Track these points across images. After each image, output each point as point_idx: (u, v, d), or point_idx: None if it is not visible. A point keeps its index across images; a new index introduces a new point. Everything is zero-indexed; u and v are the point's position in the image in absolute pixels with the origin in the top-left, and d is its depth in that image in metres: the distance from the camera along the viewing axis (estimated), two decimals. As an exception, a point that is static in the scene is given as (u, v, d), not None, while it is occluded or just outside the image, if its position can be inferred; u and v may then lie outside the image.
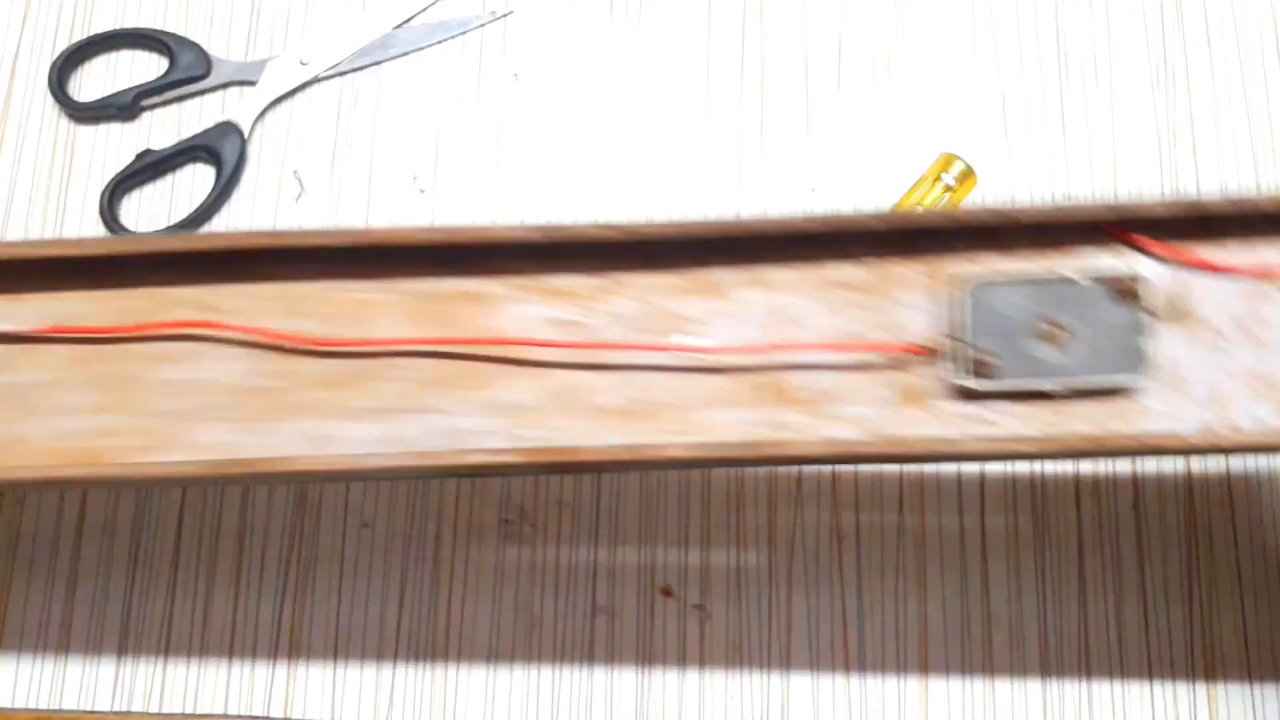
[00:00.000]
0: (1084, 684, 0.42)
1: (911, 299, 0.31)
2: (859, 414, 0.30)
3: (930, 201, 0.45)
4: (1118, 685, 0.42)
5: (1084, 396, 0.30)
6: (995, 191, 0.47)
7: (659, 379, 0.31)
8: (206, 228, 0.46)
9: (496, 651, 0.42)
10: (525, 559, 0.43)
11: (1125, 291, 0.29)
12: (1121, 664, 0.42)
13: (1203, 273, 0.30)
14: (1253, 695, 0.42)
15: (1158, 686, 0.42)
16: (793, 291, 0.31)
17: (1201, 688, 0.42)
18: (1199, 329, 0.30)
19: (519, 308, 0.31)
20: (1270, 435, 0.29)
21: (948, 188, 0.46)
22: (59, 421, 0.32)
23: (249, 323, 0.31)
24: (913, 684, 0.42)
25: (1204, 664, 0.42)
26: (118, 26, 0.49)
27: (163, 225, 0.46)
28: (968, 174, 0.46)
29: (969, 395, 0.30)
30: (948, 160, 0.46)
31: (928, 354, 0.30)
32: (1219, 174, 0.48)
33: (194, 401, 0.31)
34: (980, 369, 0.29)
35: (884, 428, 0.30)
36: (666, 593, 0.43)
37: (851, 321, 0.31)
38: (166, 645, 0.42)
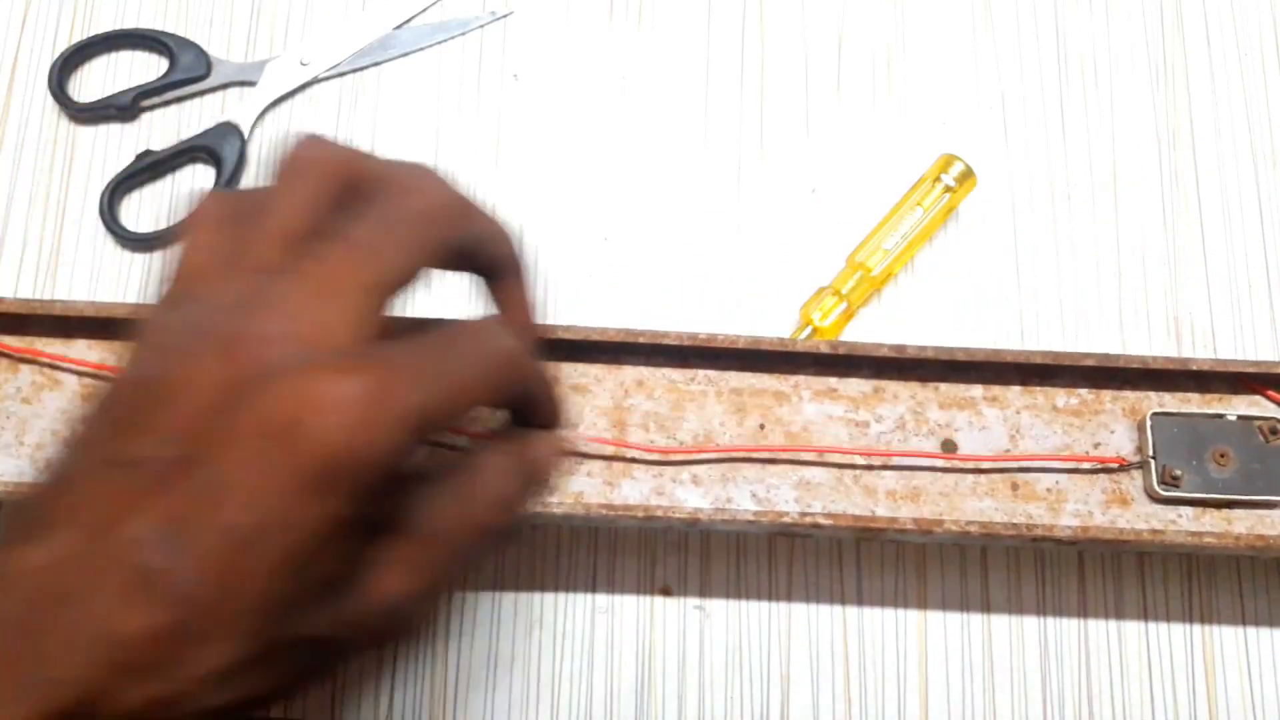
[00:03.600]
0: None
1: (1113, 424, 0.40)
2: (1079, 509, 0.39)
3: (930, 202, 0.45)
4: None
5: (1243, 506, 0.39)
6: (995, 192, 0.47)
7: (924, 473, 0.40)
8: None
9: (496, 651, 0.42)
10: (525, 559, 0.43)
11: (1271, 430, 0.39)
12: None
13: None
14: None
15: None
16: (1025, 410, 0.40)
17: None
18: None
19: (812, 406, 0.40)
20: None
21: (948, 188, 0.45)
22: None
23: (609, 400, 0.40)
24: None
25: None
26: (118, 27, 0.49)
27: (163, 226, 0.46)
28: (967, 174, 0.46)
29: (1158, 500, 0.39)
30: (948, 161, 0.46)
31: (1126, 466, 0.39)
32: (1219, 174, 0.48)
33: None
34: (1167, 480, 0.39)
35: (1099, 520, 0.39)
36: (666, 592, 0.43)
37: (1069, 437, 0.40)
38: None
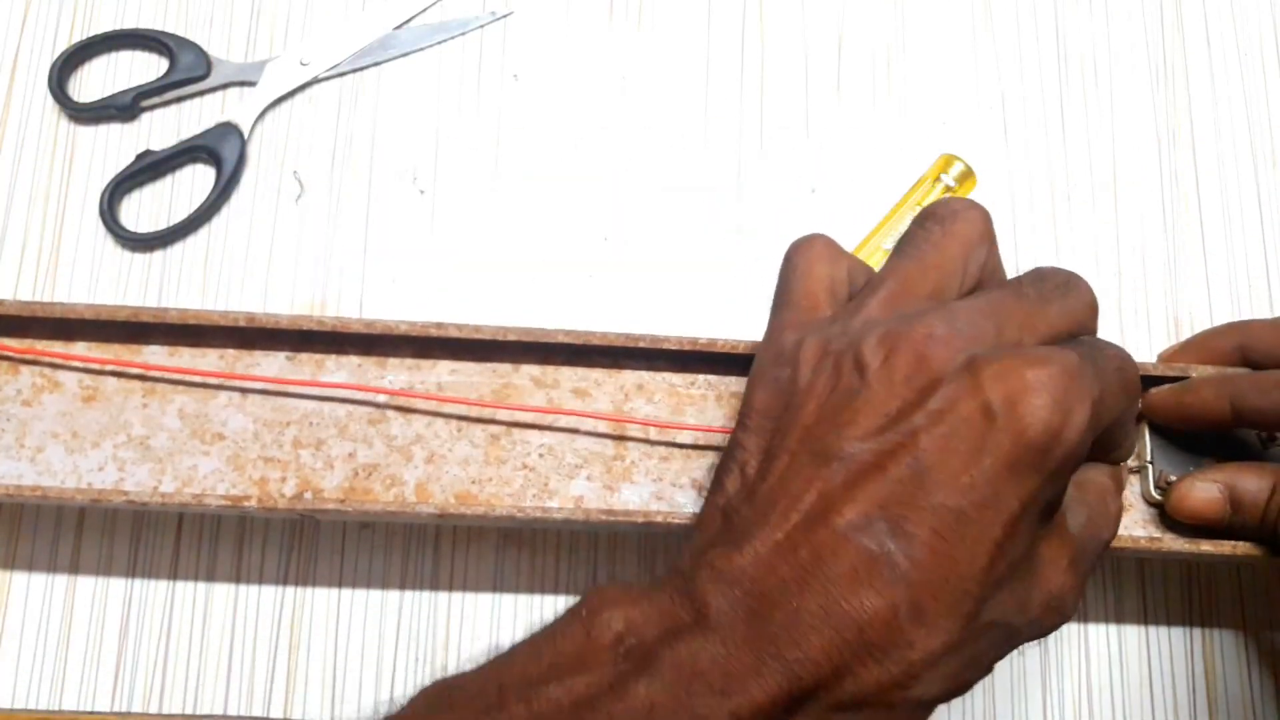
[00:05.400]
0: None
1: None
2: None
3: (930, 202, 0.45)
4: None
5: None
6: (995, 192, 0.47)
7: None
8: (207, 228, 0.46)
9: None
10: (525, 559, 0.43)
11: (1268, 436, 0.39)
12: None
13: None
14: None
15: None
16: None
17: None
18: None
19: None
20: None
21: (948, 188, 0.46)
22: (438, 469, 0.39)
23: (608, 404, 0.39)
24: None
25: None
26: (118, 27, 0.49)
27: (163, 226, 0.46)
28: (967, 174, 0.46)
29: (1155, 505, 0.39)
30: (948, 161, 0.46)
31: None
32: (1219, 174, 0.48)
33: (552, 463, 0.39)
34: (1164, 486, 0.38)
35: None
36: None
37: None
38: (166, 645, 0.42)
